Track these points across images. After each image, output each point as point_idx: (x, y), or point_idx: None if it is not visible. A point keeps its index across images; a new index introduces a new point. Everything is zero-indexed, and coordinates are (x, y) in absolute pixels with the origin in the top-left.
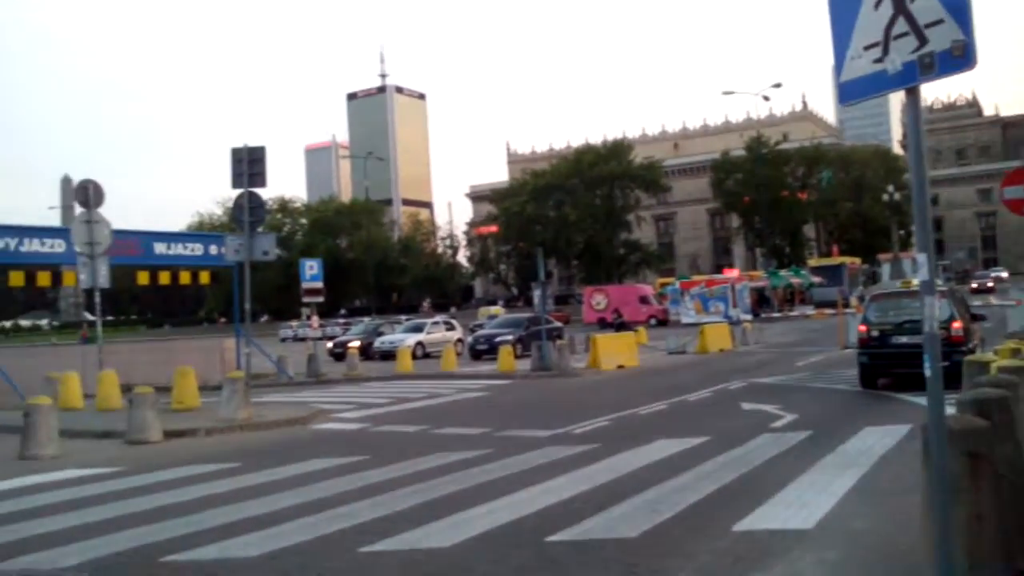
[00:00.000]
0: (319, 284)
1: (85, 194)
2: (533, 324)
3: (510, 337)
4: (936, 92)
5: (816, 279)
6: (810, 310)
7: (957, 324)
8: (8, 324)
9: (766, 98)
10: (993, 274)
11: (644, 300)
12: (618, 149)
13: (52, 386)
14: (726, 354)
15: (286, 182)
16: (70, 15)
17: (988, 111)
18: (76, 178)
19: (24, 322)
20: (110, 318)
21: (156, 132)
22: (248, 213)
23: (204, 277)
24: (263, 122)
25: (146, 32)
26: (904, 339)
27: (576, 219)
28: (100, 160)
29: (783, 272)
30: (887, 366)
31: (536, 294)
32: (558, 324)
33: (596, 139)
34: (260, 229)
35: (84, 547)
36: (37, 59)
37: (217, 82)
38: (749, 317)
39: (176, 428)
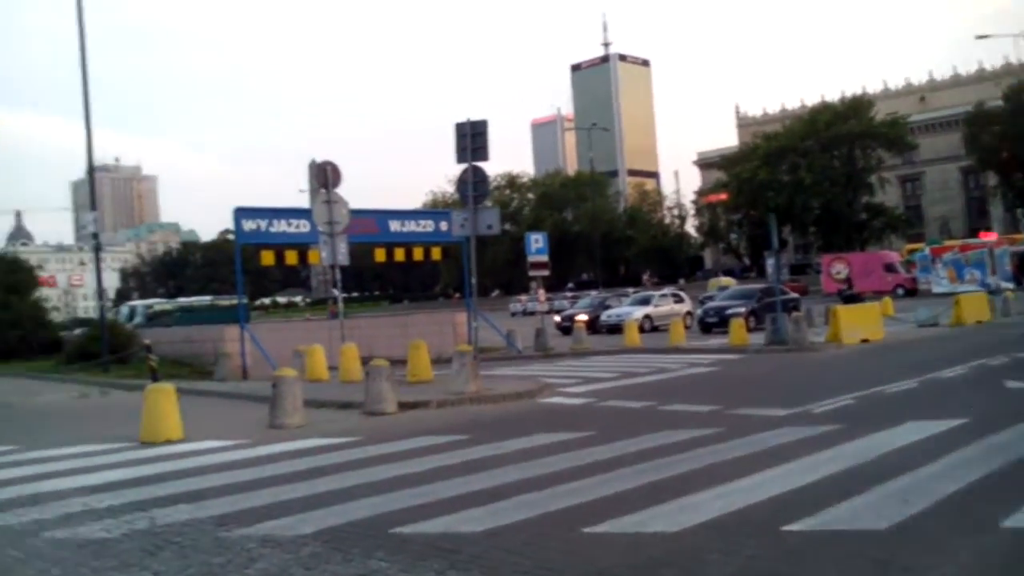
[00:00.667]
0: (545, 258)
1: (324, 175)
2: (766, 295)
3: (742, 309)
4: None
5: None
6: None
7: None
8: (267, 301)
9: None
10: None
11: (889, 268)
12: (857, 106)
13: (300, 359)
14: (984, 326)
15: (513, 157)
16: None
17: None
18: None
19: (280, 299)
20: (354, 294)
21: (390, 113)
22: (472, 188)
23: (436, 253)
24: (490, 98)
25: (377, 17)
26: None
27: (812, 183)
28: (341, 142)
29: None
30: None
31: (769, 263)
32: (794, 295)
33: (832, 96)
34: (488, 204)
35: (321, 515)
36: (288, 48)
37: (445, 61)
38: (1011, 285)
39: (410, 400)
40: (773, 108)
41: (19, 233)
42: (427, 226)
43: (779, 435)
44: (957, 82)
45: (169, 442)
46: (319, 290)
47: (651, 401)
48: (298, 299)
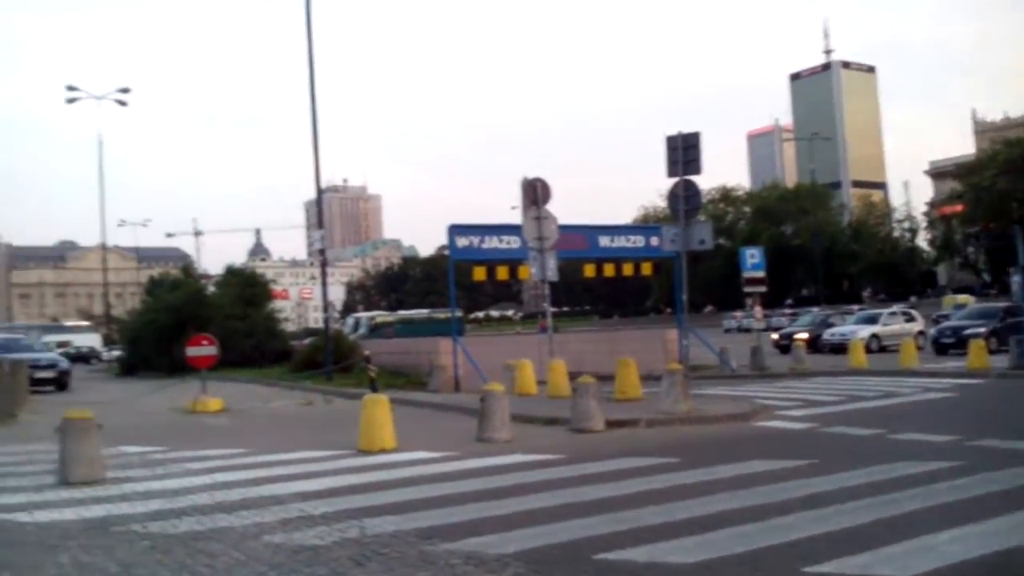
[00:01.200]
0: (761, 273)
1: (533, 192)
2: (1010, 315)
3: (982, 330)
4: None
5: None
6: None
7: None
8: (480, 314)
9: None
10: None
11: None
12: None
13: (510, 373)
14: None
15: (728, 170)
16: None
17: None
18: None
19: (493, 312)
20: (565, 309)
21: (602, 127)
22: (683, 202)
23: (646, 268)
24: (704, 110)
25: (588, 32)
26: None
27: None
28: (552, 158)
29: None
30: None
31: (1014, 280)
32: None
33: None
34: (701, 218)
35: (524, 535)
36: (502, 68)
37: (659, 75)
38: None
39: (617, 418)
40: (1016, 111)
41: (258, 249)
42: (637, 241)
43: None
44: None
45: (383, 451)
46: (530, 304)
47: (879, 428)
48: (510, 313)
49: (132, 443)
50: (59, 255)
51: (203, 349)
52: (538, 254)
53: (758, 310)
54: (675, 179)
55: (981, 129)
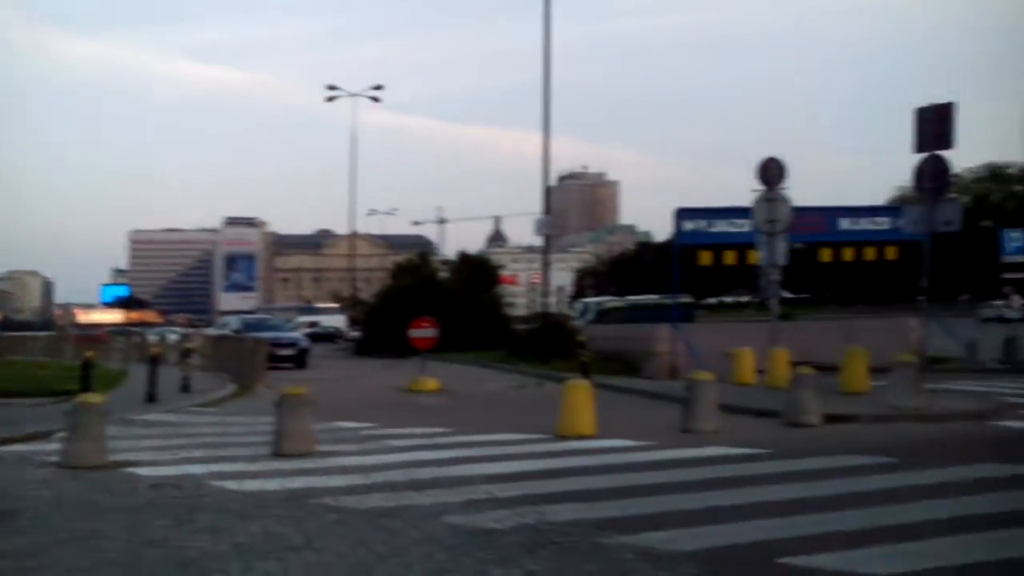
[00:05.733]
0: (1022, 257)
1: (767, 172)
2: None
3: None
4: None
5: None
6: None
7: None
8: (713, 300)
9: None
10: None
11: None
12: None
13: (729, 360)
14: None
15: (1001, 143)
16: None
17: None
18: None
19: (727, 299)
20: (804, 295)
21: (853, 105)
22: (931, 179)
23: (890, 252)
24: (969, 76)
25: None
26: None
27: None
28: (794, 140)
29: None
30: None
31: None
32: None
33: None
34: (952, 197)
35: (705, 532)
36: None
37: (915, 42)
38: None
39: (837, 412)
40: None
41: (497, 236)
42: (882, 223)
43: None
44: None
45: (581, 437)
46: (767, 289)
47: None
48: (745, 299)
49: (348, 419)
50: (316, 242)
51: (424, 331)
52: (768, 237)
53: (1016, 298)
54: (923, 155)
55: None
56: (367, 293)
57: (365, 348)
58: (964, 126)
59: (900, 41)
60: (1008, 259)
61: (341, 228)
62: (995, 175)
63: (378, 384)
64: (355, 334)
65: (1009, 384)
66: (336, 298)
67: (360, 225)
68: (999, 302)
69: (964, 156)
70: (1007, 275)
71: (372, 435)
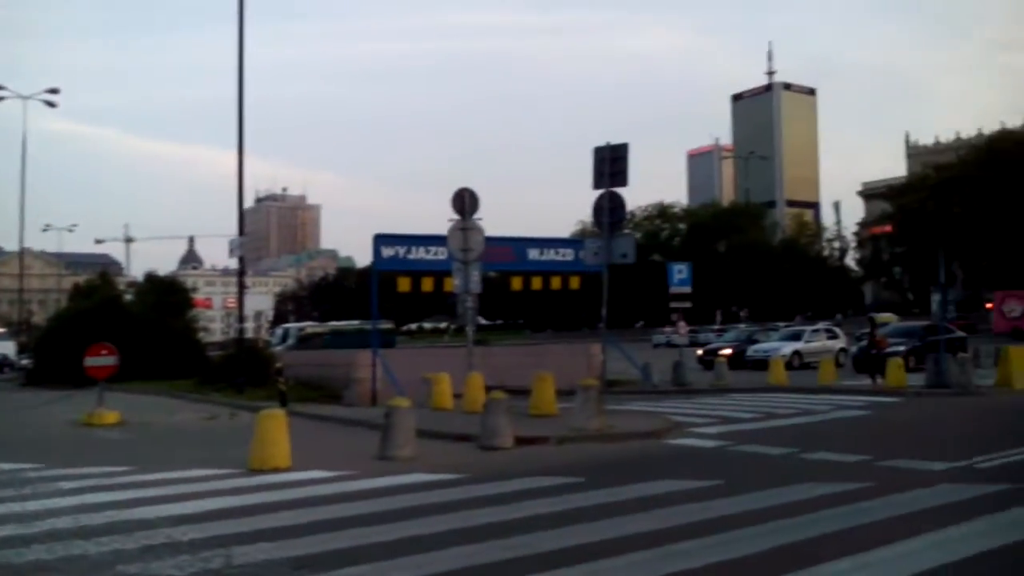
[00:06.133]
0: (687, 289)
1: (461, 202)
2: (930, 333)
3: (901, 348)
4: None
5: None
6: None
7: None
8: (413, 326)
9: None
10: None
11: None
12: None
13: (428, 386)
14: None
15: (668, 188)
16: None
17: None
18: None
19: (427, 324)
20: (499, 321)
21: (545, 145)
22: (608, 214)
23: (574, 282)
24: (646, 130)
25: (532, 49)
26: None
27: (987, 216)
28: (490, 171)
29: None
30: None
31: (935, 299)
32: (960, 334)
33: (1015, 123)
34: (625, 231)
35: (404, 564)
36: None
37: (600, 93)
38: None
39: (528, 435)
40: (947, 136)
41: (190, 257)
42: (566, 255)
43: (937, 494)
44: None
45: (276, 470)
46: (464, 317)
47: (792, 447)
48: (443, 325)
49: (9, 459)
50: None
51: (102, 359)
52: (462, 265)
53: (682, 325)
54: (600, 191)
55: (913, 152)
56: (41, 317)
57: (37, 378)
58: (637, 168)
59: (592, 82)
60: (674, 290)
61: (11, 244)
62: (663, 214)
63: (48, 418)
64: (26, 362)
65: (678, 404)
66: (5, 322)
67: (33, 241)
68: (668, 329)
69: (638, 195)
70: (674, 304)
71: (37, 477)
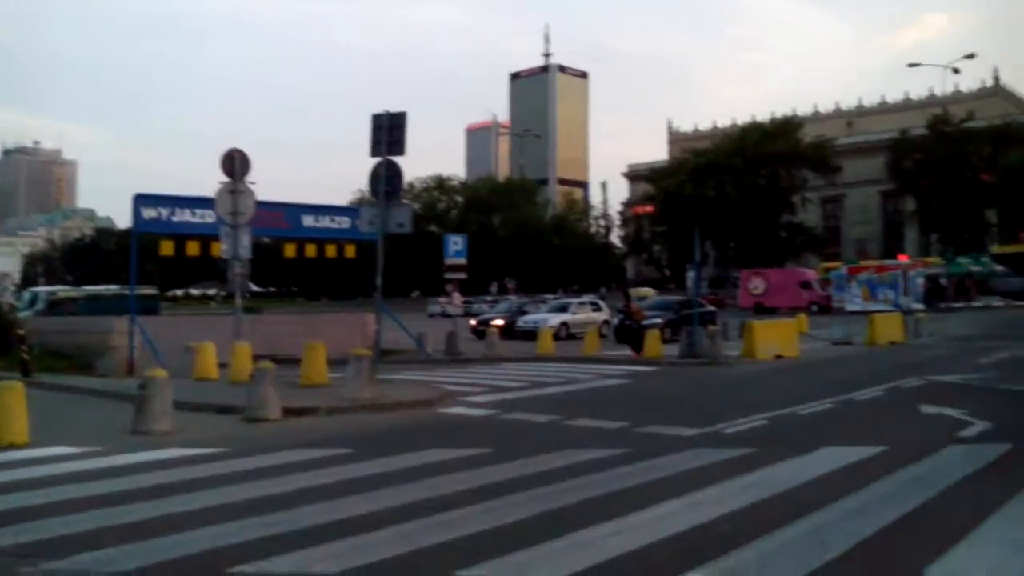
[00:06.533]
0: (462, 260)
1: (231, 164)
2: (684, 308)
3: (659, 320)
4: None
5: (998, 268)
6: (997, 301)
7: None
8: (179, 292)
9: (956, 70)
10: None
11: (805, 285)
12: (786, 127)
13: (190, 355)
14: (897, 347)
15: (446, 161)
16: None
17: None
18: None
19: (194, 291)
20: (272, 289)
21: (327, 113)
22: (384, 182)
23: (350, 251)
24: (426, 102)
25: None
26: None
27: (737, 199)
28: (271, 135)
29: (961, 259)
30: None
31: (689, 276)
32: (711, 308)
33: (763, 116)
34: (402, 201)
35: (152, 546)
36: (213, 31)
37: (381, 64)
38: (921, 307)
39: (297, 406)
40: (704, 125)
41: None
42: (342, 222)
43: (688, 458)
44: (884, 109)
45: (12, 447)
46: (235, 283)
47: (557, 415)
48: (212, 292)
49: None
50: None
51: None
52: (231, 230)
53: (456, 296)
54: (378, 159)
55: (675, 139)
56: None
57: None
58: (418, 141)
59: (374, 51)
60: (449, 261)
61: None
62: (441, 186)
63: None
64: None
65: (451, 373)
66: None
67: None
68: (443, 299)
69: (417, 167)
70: (449, 275)
71: None
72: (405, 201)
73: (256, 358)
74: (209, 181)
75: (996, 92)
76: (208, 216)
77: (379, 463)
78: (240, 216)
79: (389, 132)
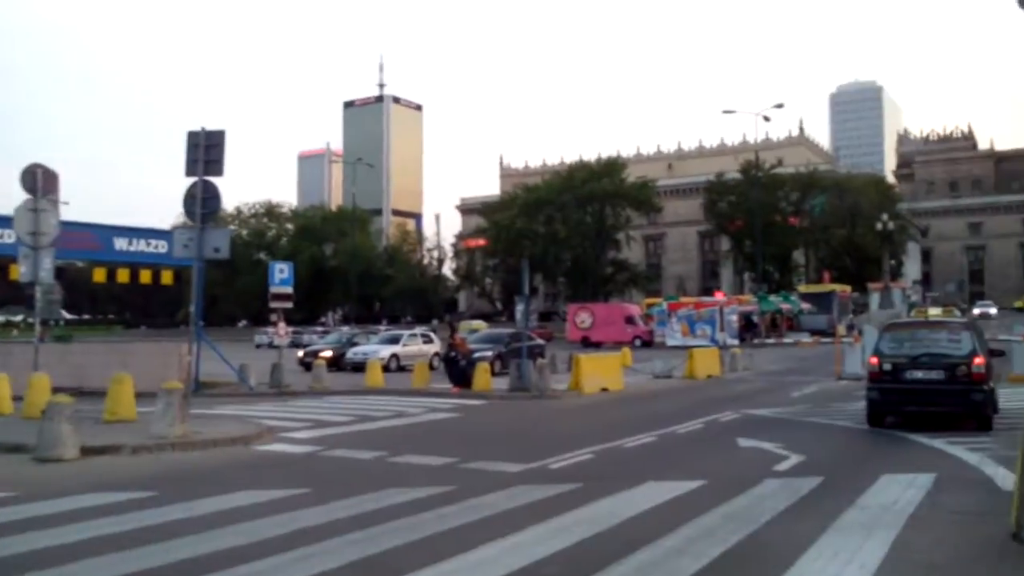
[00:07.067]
0: (288, 289)
1: (33, 180)
2: (514, 340)
3: (489, 353)
4: (933, 123)
5: (805, 306)
6: (805, 337)
7: (979, 360)
8: None
9: (767, 118)
10: (980, 309)
11: (630, 320)
12: (611, 167)
13: None
14: (715, 380)
15: (278, 188)
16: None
17: (983, 144)
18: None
19: None
20: (86, 317)
21: (160, 136)
22: (200, 204)
23: (167, 276)
24: (258, 128)
25: (139, 29)
26: (920, 374)
27: (565, 235)
28: (101, 158)
29: (772, 297)
30: (900, 403)
31: (519, 309)
32: (540, 341)
33: (590, 156)
34: (218, 224)
35: None
36: (24, 45)
37: (216, 89)
38: (736, 342)
39: (97, 444)
40: (535, 162)
41: None
42: (159, 246)
43: (513, 496)
44: (702, 152)
45: None
46: (45, 310)
47: (383, 451)
48: (18, 318)
49: None
50: None
51: None
52: (32, 251)
53: (282, 326)
54: (194, 179)
55: (506, 174)
56: None
57: None
58: (248, 165)
59: (206, 71)
60: (275, 290)
61: None
62: (270, 213)
63: None
64: None
65: (274, 407)
66: None
67: None
68: (271, 329)
69: (247, 193)
70: (274, 304)
71: None
72: (233, 226)
73: (59, 391)
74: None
75: (800, 142)
76: (9, 236)
77: (183, 507)
78: (42, 237)
79: (206, 151)
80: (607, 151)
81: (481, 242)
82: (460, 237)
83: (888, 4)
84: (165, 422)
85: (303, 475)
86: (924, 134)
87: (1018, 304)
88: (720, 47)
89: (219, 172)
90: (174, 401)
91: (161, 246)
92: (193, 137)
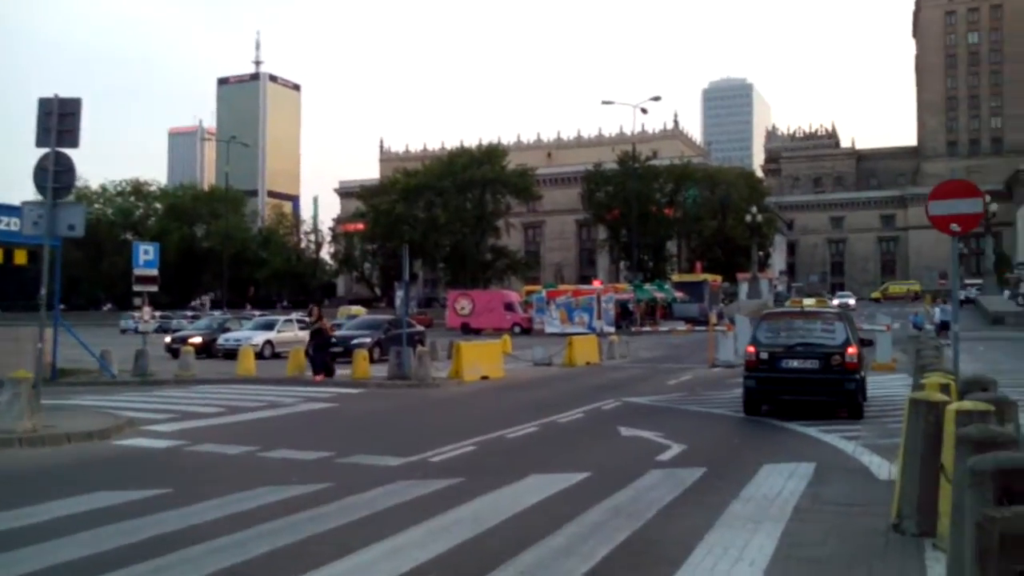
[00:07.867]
0: (154, 271)
1: None
2: (393, 327)
3: (368, 340)
4: (799, 121)
5: (678, 294)
6: (680, 325)
7: (852, 349)
8: None
9: (644, 111)
10: (840, 299)
11: (509, 307)
12: (492, 154)
13: None
14: (593, 368)
15: (147, 166)
16: None
17: (845, 143)
18: None
19: None
20: None
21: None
22: (53, 178)
23: (20, 256)
24: (126, 102)
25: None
26: (795, 363)
27: (445, 221)
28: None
29: (647, 286)
30: (776, 391)
31: (398, 295)
32: (420, 328)
33: (471, 142)
34: (72, 199)
35: None
36: None
37: (81, 59)
38: (613, 329)
39: None
40: (416, 146)
41: None
42: (11, 224)
43: (391, 493)
44: (580, 143)
45: None
46: None
47: (254, 445)
48: None
49: None
50: None
51: None
52: None
53: (147, 310)
54: (46, 150)
55: (386, 158)
56: None
57: None
58: (117, 142)
59: (71, 39)
60: (139, 272)
61: None
62: (138, 191)
63: None
64: None
65: (137, 397)
66: None
67: None
68: (136, 313)
69: (114, 170)
70: (138, 287)
71: None
72: (97, 205)
73: None
74: None
75: (675, 135)
76: None
77: (26, 512)
78: None
79: (60, 120)
80: (488, 138)
81: (360, 226)
82: (339, 221)
83: (760, 4)
84: (12, 415)
85: (165, 473)
86: (791, 131)
87: (875, 295)
88: (599, 40)
89: (74, 143)
90: (22, 392)
91: (13, 224)
92: (45, 105)
